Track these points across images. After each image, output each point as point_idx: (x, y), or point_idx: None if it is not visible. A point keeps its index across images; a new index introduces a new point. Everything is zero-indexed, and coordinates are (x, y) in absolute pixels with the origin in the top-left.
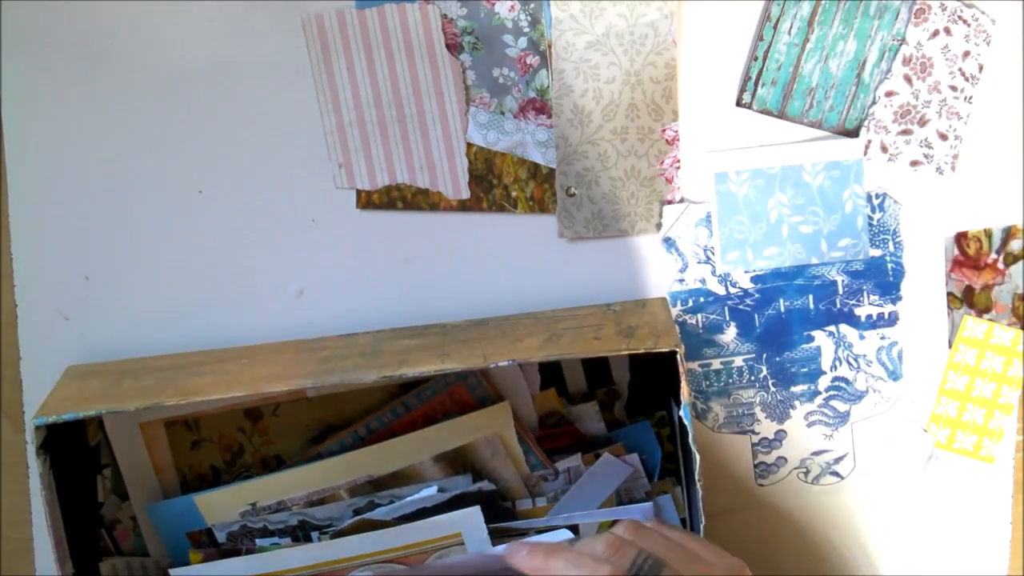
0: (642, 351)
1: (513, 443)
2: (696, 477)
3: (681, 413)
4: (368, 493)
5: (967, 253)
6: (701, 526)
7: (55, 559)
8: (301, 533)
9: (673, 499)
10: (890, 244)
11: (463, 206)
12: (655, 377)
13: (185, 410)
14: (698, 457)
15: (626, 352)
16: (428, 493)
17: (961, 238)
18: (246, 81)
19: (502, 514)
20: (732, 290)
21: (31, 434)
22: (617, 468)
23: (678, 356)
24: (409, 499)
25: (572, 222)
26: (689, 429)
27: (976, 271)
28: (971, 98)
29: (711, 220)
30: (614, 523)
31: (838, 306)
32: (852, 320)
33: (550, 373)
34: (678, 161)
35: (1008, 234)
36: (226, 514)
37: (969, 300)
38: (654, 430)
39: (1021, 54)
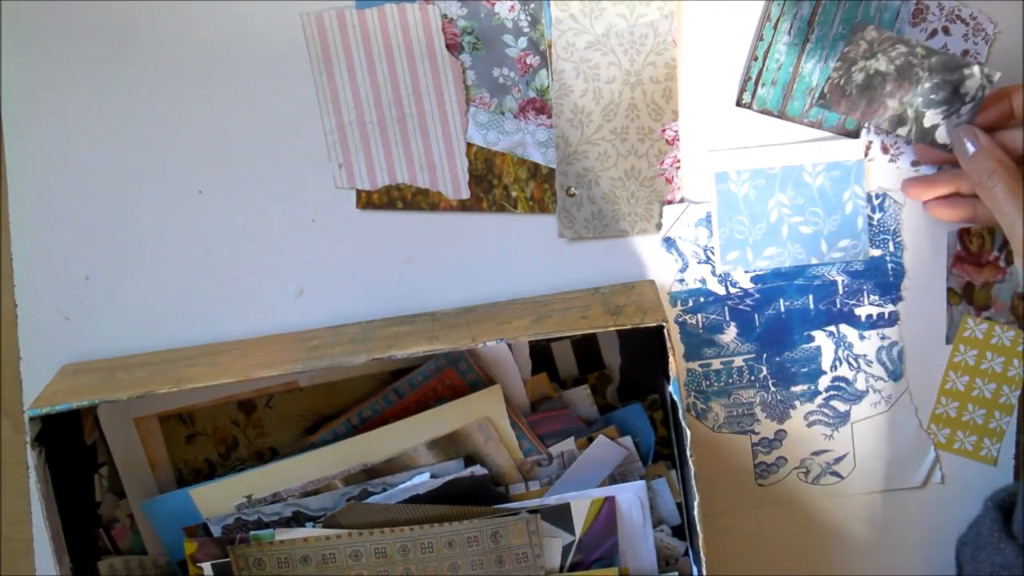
0: (629, 327)
1: (506, 427)
2: (688, 453)
3: (670, 389)
4: (362, 481)
5: (969, 249)
6: (695, 503)
7: (52, 553)
8: (295, 524)
9: (668, 483)
10: (890, 244)
11: (463, 206)
12: (646, 360)
13: (178, 401)
14: (688, 432)
15: (613, 328)
16: (421, 479)
17: (964, 234)
18: (246, 81)
19: (495, 499)
20: (732, 290)
21: (26, 427)
22: (612, 450)
23: (665, 330)
24: (401, 486)
25: (572, 222)
26: (679, 404)
27: (977, 268)
28: None
29: (711, 220)
30: (605, 502)
31: (838, 306)
32: (852, 320)
33: (541, 358)
34: (678, 161)
35: None
36: (222, 507)
37: (969, 296)
38: (647, 413)
39: (1021, 52)
